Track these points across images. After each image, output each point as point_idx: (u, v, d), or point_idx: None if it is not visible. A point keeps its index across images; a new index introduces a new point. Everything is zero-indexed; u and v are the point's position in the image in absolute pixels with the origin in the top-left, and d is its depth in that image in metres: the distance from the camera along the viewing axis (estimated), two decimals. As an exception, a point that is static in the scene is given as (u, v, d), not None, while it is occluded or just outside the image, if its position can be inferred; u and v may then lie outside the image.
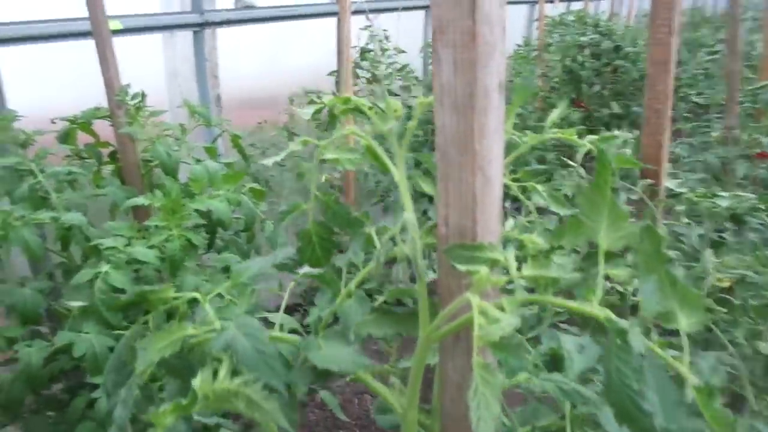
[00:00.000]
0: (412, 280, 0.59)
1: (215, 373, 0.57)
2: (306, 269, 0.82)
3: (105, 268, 1.56)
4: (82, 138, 2.09)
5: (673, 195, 1.43)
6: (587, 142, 0.81)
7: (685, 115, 2.95)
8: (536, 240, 0.66)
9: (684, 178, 1.64)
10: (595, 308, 0.50)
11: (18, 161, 1.78)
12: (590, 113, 5.27)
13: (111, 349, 1.56)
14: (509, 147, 1.13)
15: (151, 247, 1.64)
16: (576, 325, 1.47)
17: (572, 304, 0.52)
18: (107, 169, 2.13)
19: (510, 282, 0.56)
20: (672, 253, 1.17)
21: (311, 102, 0.65)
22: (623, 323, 0.46)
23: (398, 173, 0.62)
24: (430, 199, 0.89)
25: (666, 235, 1.27)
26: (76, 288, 1.61)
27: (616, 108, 5.23)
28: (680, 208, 1.49)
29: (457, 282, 0.60)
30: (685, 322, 0.52)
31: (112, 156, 2.11)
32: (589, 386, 0.92)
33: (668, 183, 1.42)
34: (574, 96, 5.18)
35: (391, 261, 0.61)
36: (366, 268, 0.66)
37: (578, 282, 0.54)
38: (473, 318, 0.51)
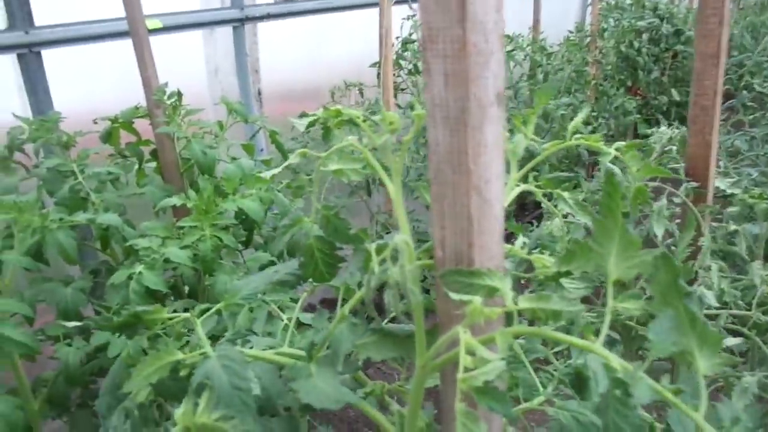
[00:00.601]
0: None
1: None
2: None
3: (139, 268, 1.58)
4: (126, 137, 2.13)
5: (723, 196, 1.33)
6: (613, 150, 0.75)
7: (748, 104, 2.77)
8: (545, 261, 0.61)
9: (738, 175, 1.53)
10: (597, 348, 0.45)
11: (60, 162, 1.82)
12: (647, 101, 5.06)
13: (144, 351, 1.59)
14: (529, 155, 1.07)
15: (184, 247, 1.66)
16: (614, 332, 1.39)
17: (572, 339, 0.47)
18: (150, 167, 2.17)
19: (508, 313, 0.51)
20: (715, 266, 1.08)
21: (303, 115, 0.62)
22: (624, 371, 0.41)
23: (393, 188, 0.58)
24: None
25: (713, 241, 1.18)
26: (114, 287, 1.64)
27: (675, 95, 5.00)
28: (733, 209, 1.39)
29: (454, 310, 0.56)
30: (704, 365, 0.47)
31: (154, 154, 2.14)
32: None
33: (719, 183, 1.32)
34: (630, 83, 4.97)
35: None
36: (359, 292, 0.63)
37: (581, 315, 0.49)
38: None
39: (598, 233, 0.51)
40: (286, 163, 0.66)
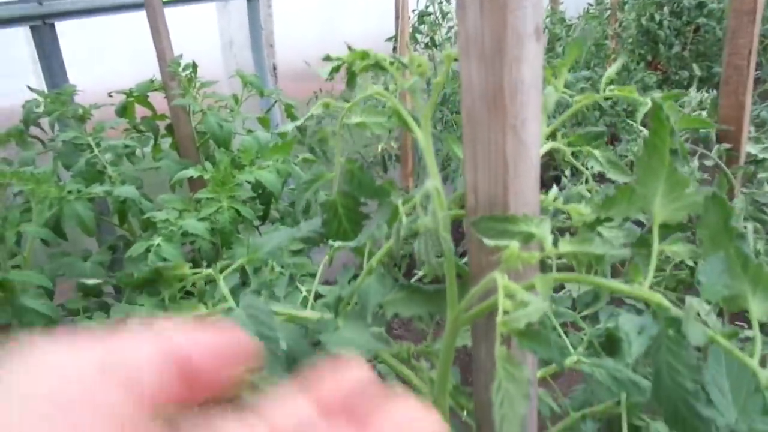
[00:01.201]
0: (440, 255, 0.53)
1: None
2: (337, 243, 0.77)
3: (157, 241, 1.57)
4: (141, 111, 2.12)
5: (755, 161, 1.29)
6: (649, 100, 0.71)
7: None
8: (582, 210, 0.58)
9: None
10: (644, 291, 0.42)
11: (76, 135, 1.81)
12: (668, 76, 4.95)
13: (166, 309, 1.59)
14: (562, 108, 1.03)
15: (201, 219, 1.64)
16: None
17: (617, 285, 0.44)
18: (165, 142, 2.16)
19: (547, 259, 0.48)
20: (751, 226, 1.05)
21: (327, 58, 0.59)
22: (675, 311, 0.38)
23: (423, 136, 0.55)
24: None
25: (745, 205, 1.14)
26: (133, 261, 1.63)
27: (697, 70, 4.89)
28: (763, 175, 1.34)
29: (487, 258, 0.53)
30: (758, 309, 0.44)
31: (170, 128, 2.13)
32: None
33: (750, 148, 1.27)
34: (650, 58, 4.87)
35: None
36: (387, 244, 0.60)
37: (627, 259, 0.46)
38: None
39: (642, 174, 0.48)
40: (309, 114, 0.64)
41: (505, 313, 0.42)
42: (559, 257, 0.50)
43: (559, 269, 0.50)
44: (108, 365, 0.25)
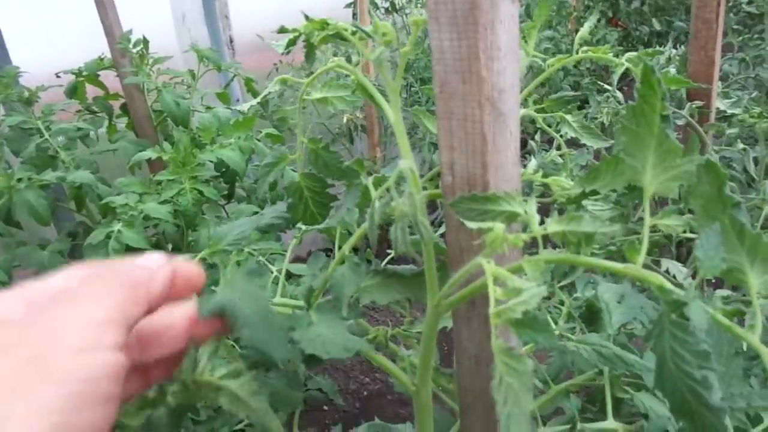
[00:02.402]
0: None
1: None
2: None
3: (118, 227, 1.51)
4: (92, 91, 2.01)
5: (724, 117, 1.28)
6: (624, 61, 0.68)
7: (735, 27, 2.69)
8: (565, 184, 0.55)
9: (735, 97, 1.47)
10: (642, 271, 0.39)
11: (24, 119, 1.71)
12: (628, 32, 4.95)
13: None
14: (533, 72, 1.00)
15: (163, 202, 1.58)
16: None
17: (612, 265, 0.41)
18: (121, 122, 2.06)
19: (533, 240, 0.45)
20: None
21: (282, 30, 0.54)
22: (678, 293, 0.36)
23: (392, 111, 0.51)
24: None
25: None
26: (93, 248, 1.56)
27: (656, 25, 4.90)
28: (732, 131, 1.33)
29: (468, 239, 0.50)
30: (758, 281, 0.41)
31: (124, 108, 2.03)
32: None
33: (719, 104, 1.26)
34: (610, 14, 4.86)
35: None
36: (360, 229, 0.57)
37: (618, 236, 0.43)
38: (487, 285, 0.41)
39: (629, 143, 0.45)
40: (265, 92, 0.59)
41: (497, 301, 0.39)
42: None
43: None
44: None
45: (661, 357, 0.35)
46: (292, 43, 0.54)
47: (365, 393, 2.38)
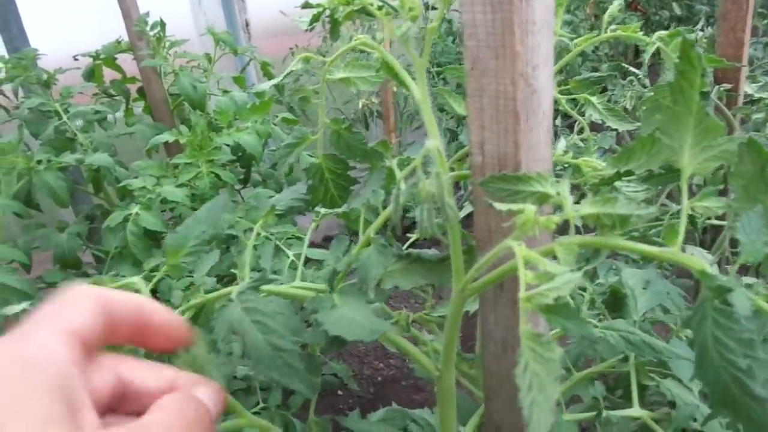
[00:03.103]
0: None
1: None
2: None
3: (135, 209, 1.51)
4: (109, 74, 2.01)
5: (751, 102, 1.24)
6: (655, 39, 0.66)
7: (760, 10, 2.63)
8: (597, 164, 0.53)
9: (763, 81, 1.43)
10: (683, 256, 0.38)
11: (42, 102, 1.71)
12: (648, 17, 4.86)
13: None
14: (557, 53, 0.97)
15: (180, 185, 1.58)
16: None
17: (650, 249, 0.40)
18: (138, 106, 2.06)
19: (565, 222, 0.44)
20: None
21: (306, 5, 0.52)
22: (722, 278, 0.34)
23: (418, 89, 0.50)
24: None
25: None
26: (111, 230, 1.57)
27: (677, 10, 4.81)
28: (759, 116, 1.30)
29: (497, 221, 0.49)
30: (800, 267, 0.40)
31: (141, 92, 2.03)
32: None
33: (747, 88, 1.22)
34: (629, -1, 4.77)
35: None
36: (386, 211, 0.55)
37: (654, 219, 0.42)
38: (516, 266, 0.40)
39: (666, 122, 0.43)
40: (288, 70, 0.58)
41: (528, 286, 0.38)
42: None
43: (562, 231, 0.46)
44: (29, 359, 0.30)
45: (702, 345, 0.34)
46: (316, 18, 0.53)
47: (379, 378, 2.39)
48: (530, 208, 0.41)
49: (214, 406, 0.36)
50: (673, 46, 0.70)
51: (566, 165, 0.56)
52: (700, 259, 0.36)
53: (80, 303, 0.33)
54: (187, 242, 0.51)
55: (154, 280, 0.51)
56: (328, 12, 0.52)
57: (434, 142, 0.45)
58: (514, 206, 0.43)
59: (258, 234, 1.18)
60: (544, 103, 0.45)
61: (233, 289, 0.48)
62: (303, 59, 0.57)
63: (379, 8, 0.50)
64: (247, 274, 0.52)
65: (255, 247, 1.32)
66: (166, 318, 0.39)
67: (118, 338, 0.36)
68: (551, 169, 0.49)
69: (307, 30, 0.57)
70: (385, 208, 0.57)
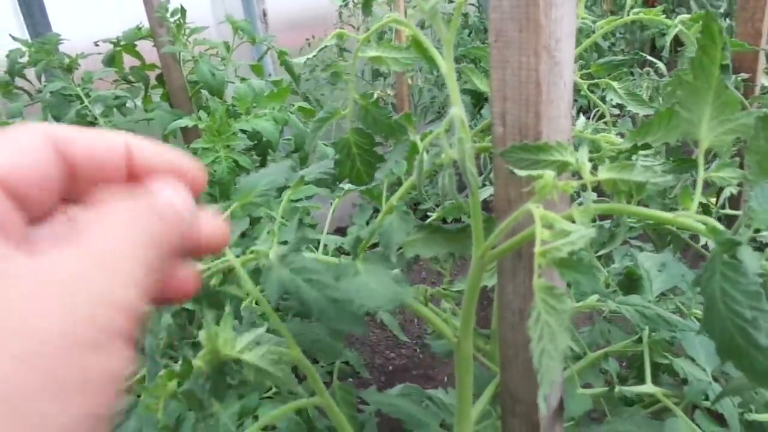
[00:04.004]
0: (462, 190, 0.49)
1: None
2: (348, 185, 0.74)
3: (154, 192, 1.53)
4: (129, 61, 2.04)
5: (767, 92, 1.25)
6: (677, 23, 0.67)
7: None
8: (614, 139, 0.55)
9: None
10: (693, 216, 0.39)
11: (64, 86, 1.75)
12: (665, 14, 4.84)
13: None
14: (578, 39, 0.98)
15: (199, 169, 1.60)
16: (649, 242, 1.35)
17: (662, 214, 0.41)
18: (157, 92, 2.09)
19: (582, 188, 0.45)
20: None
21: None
22: (730, 234, 0.36)
23: (445, 63, 0.51)
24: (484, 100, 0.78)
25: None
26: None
27: (694, 6, 4.77)
28: (775, 108, 1.30)
29: (517, 191, 0.51)
30: (813, 235, 0.41)
31: (160, 79, 2.06)
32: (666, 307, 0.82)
33: (764, 80, 1.23)
34: (646, -6, 4.75)
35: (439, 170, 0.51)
36: (409, 180, 0.57)
37: (670, 187, 0.43)
38: (534, 234, 0.42)
39: (686, 96, 0.45)
40: (323, 44, 0.59)
41: (543, 242, 0.39)
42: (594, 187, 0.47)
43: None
44: None
45: (710, 298, 0.36)
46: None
47: (390, 368, 2.41)
48: (549, 173, 0.43)
49: (185, 207, 0.28)
50: (694, 30, 0.71)
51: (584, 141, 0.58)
52: (708, 218, 0.37)
53: (20, 141, 0.26)
54: (257, 187, 0.54)
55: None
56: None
57: (457, 109, 0.47)
58: (534, 172, 0.44)
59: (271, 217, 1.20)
60: (565, 76, 0.47)
61: (268, 252, 0.50)
62: (337, 35, 0.58)
63: (407, -17, 0.52)
64: (276, 240, 0.54)
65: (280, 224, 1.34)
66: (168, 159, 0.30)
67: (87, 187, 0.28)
68: (571, 141, 0.50)
69: (345, 15, 0.59)
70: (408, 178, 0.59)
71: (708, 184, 0.86)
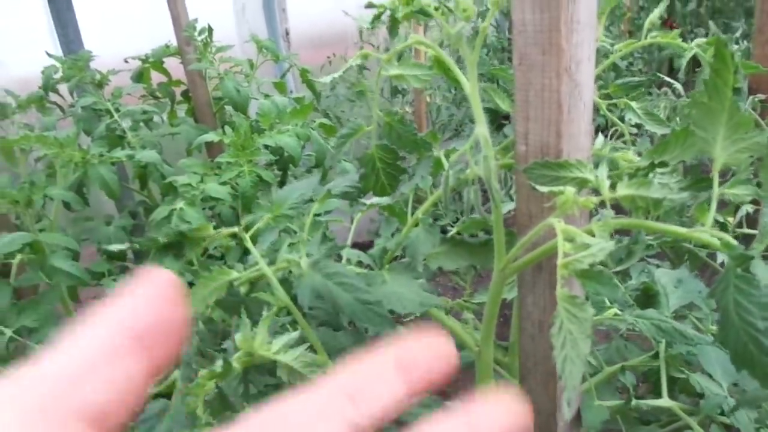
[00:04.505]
0: (486, 204, 0.52)
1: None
2: (373, 199, 0.77)
3: (180, 204, 1.58)
4: (156, 77, 2.10)
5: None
6: (694, 46, 0.69)
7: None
8: (632, 157, 0.57)
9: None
10: (709, 231, 0.41)
11: (95, 101, 1.81)
12: (683, 35, 4.85)
13: (190, 284, 1.60)
14: (597, 60, 1.01)
15: (223, 183, 1.64)
16: (667, 260, 1.36)
17: (678, 229, 0.43)
18: (182, 108, 2.15)
19: (601, 204, 0.48)
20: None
21: (369, 5, 0.57)
22: (743, 249, 0.38)
23: (469, 84, 0.54)
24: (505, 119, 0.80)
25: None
26: (157, 225, 1.64)
27: (713, 28, 4.79)
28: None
29: (538, 206, 0.53)
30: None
31: (186, 95, 2.11)
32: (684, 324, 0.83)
33: (782, 101, 1.24)
34: (665, 15, 4.77)
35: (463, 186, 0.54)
36: (434, 195, 0.60)
37: (687, 206, 0.45)
38: (557, 245, 0.44)
39: (701, 116, 0.47)
40: (350, 63, 0.62)
41: (565, 254, 0.42)
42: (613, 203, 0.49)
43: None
44: (50, 400, 0.21)
45: (725, 310, 0.38)
46: (377, 18, 0.58)
47: (406, 382, 2.41)
48: (570, 189, 0.45)
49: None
50: (710, 52, 0.73)
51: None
52: (723, 234, 0.39)
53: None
54: (289, 200, 0.57)
55: (252, 230, 0.58)
56: (387, 12, 0.57)
57: (482, 128, 0.50)
58: (555, 188, 0.47)
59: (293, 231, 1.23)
60: (585, 97, 0.49)
61: (299, 261, 0.53)
62: (361, 56, 0.61)
63: (436, 8, 0.55)
64: (304, 250, 0.57)
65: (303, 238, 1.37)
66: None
67: None
68: (590, 159, 0.53)
69: (366, 34, 0.62)
70: (433, 192, 0.61)
71: (725, 203, 0.88)
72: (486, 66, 3.10)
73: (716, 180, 0.46)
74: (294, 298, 0.56)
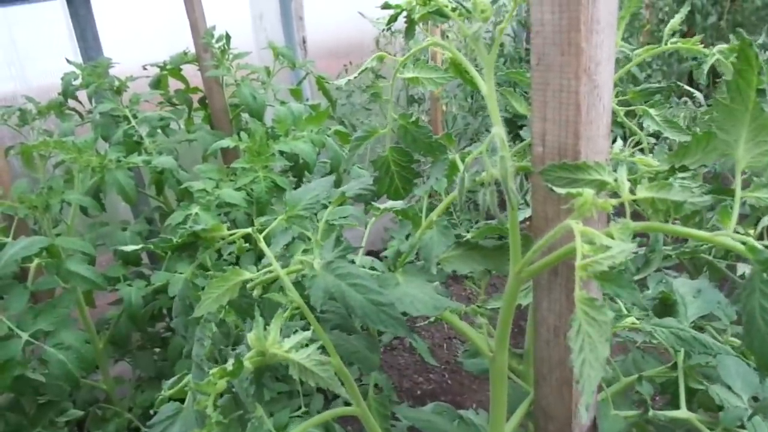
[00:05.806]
0: (501, 206, 0.51)
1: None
2: (387, 203, 0.76)
3: (195, 209, 1.58)
4: (174, 84, 2.12)
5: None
6: (716, 52, 0.68)
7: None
8: (651, 162, 0.56)
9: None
10: (733, 235, 0.40)
11: (113, 107, 1.82)
12: (704, 47, 4.81)
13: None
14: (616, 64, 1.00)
15: (238, 189, 1.65)
16: (685, 272, 1.34)
17: (701, 233, 0.42)
18: (198, 115, 2.16)
19: (620, 209, 0.47)
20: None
21: (386, 6, 0.57)
22: (767, 253, 0.37)
23: (486, 85, 0.54)
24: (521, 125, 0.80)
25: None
26: (171, 230, 1.65)
27: (734, 41, 4.74)
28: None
29: (554, 209, 0.52)
30: None
31: (202, 102, 2.13)
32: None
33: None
34: (685, 28, 4.74)
35: (478, 189, 0.53)
36: (449, 197, 0.59)
37: (707, 207, 0.44)
38: (575, 248, 0.43)
39: (723, 119, 0.46)
40: (363, 67, 0.62)
41: (584, 256, 0.41)
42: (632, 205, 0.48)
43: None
44: None
45: (750, 314, 0.37)
46: (393, 18, 0.58)
47: (418, 392, 2.40)
48: (588, 191, 0.45)
49: None
50: (732, 59, 0.72)
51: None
52: (747, 238, 0.38)
53: None
54: (302, 201, 0.58)
55: (266, 230, 0.58)
56: (404, 13, 0.57)
57: (499, 129, 0.49)
58: (573, 190, 0.46)
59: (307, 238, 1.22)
60: (604, 98, 0.49)
61: (312, 262, 0.52)
62: (377, 58, 0.61)
63: (453, 9, 0.55)
64: (318, 251, 0.56)
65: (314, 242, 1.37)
66: None
67: None
68: (609, 162, 0.52)
69: (382, 43, 0.62)
70: (447, 194, 0.60)
71: (745, 216, 0.86)
72: (502, 72, 3.10)
73: (739, 182, 0.45)
74: (307, 301, 0.56)
